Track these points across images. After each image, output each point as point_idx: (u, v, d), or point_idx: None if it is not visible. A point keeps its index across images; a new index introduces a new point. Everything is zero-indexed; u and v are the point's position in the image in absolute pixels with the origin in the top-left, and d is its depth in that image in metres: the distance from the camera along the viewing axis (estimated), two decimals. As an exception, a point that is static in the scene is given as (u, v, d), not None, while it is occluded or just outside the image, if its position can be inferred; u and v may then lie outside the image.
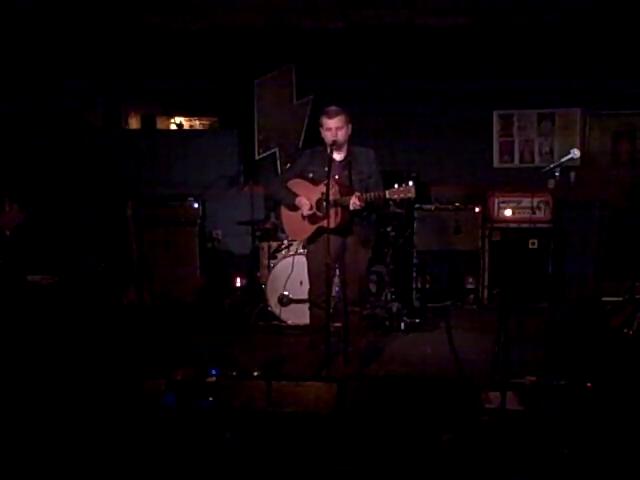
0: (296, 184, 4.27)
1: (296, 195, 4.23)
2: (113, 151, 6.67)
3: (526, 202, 6.28)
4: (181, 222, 6.50)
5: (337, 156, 4.17)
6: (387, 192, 3.95)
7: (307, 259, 4.43)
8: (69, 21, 6.15)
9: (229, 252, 6.88)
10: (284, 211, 4.40)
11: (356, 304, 4.35)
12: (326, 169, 3.88)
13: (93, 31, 6.47)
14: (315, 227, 4.20)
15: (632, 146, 6.87)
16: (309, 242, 4.34)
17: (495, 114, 6.94)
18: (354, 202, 3.95)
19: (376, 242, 5.92)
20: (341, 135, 4.08)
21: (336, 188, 4.01)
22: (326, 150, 4.03)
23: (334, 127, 4.05)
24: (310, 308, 4.42)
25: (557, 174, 3.88)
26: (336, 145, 4.07)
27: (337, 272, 4.53)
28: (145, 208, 6.35)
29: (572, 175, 6.48)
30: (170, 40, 6.70)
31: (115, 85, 7.04)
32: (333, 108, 4.11)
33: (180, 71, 6.88)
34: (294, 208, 4.26)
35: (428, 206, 6.44)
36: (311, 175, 4.22)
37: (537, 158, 6.93)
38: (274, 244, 5.91)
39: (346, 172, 4.16)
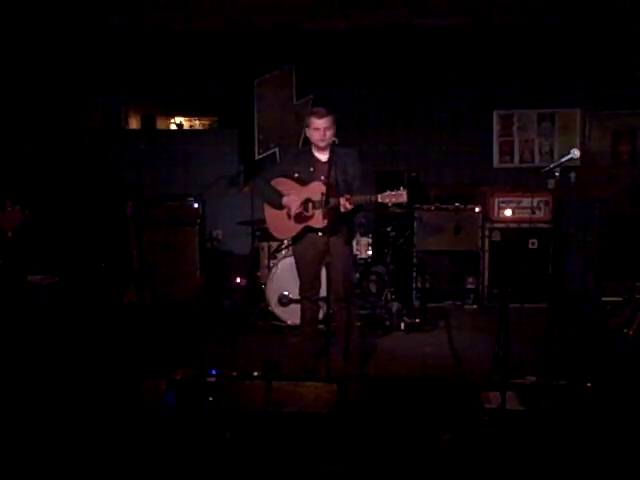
0: (282, 183, 4.26)
1: (282, 194, 4.22)
2: (113, 151, 6.67)
3: (526, 202, 6.28)
4: (181, 222, 6.50)
5: (322, 157, 4.18)
6: (379, 196, 3.99)
7: (294, 257, 4.46)
8: (69, 21, 6.16)
9: (229, 252, 6.88)
10: (267, 209, 4.37)
11: (345, 300, 4.35)
12: (311, 169, 4.00)
13: (93, 31, 6.48)
14: (301, 227, 4.21)
15: (632, 146, 6.87)
16: (294, 241, 4.38)
17: (495, 114, 6.94)
18: (344, 205, 3.96)
19: (376, 242, 5.99)
20: (329, 135, 4.09)
21: (324, 189, 4.01)
22: (310, 151, 4.10)
23: (322, 127, 4.07)
24: (301, 302, 4.45)
25: (557, 174, 3.87)
26: (323, 145, 4.09)
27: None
28: (145, 208, 6.35)
29: (572, 175, 6.49)
30: (170, 40, 6.71)
31: (115, 85, 7.04)
32: (321, 109, 4.15)
33: (180, 71, 6.88)
34: (279, 207, 4.25)
35: (428, 206, 6.43)
36: (296, 175, 4.23)
37: (537, 158, 6.93)
38: (274, 244, 5.90)
39: (332, 173, 4.17)
